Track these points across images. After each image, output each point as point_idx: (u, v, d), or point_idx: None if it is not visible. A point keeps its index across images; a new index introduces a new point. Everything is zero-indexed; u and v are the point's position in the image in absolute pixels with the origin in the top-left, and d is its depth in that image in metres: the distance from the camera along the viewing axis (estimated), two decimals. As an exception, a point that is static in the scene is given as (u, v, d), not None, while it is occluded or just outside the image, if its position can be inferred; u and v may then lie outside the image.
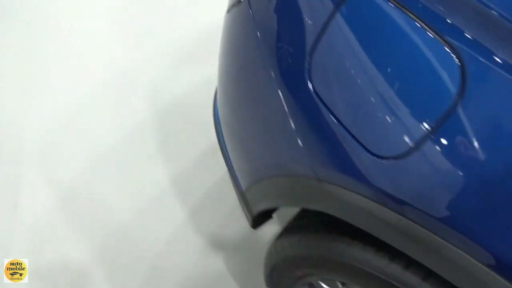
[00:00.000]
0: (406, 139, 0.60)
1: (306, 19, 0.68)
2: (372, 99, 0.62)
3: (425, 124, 0.58)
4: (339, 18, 0.64)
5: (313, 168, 0.74)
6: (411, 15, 0.57)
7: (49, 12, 2.01)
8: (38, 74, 1.79)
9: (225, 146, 1.07)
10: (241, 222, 1.48)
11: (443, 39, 0.55)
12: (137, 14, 2.05)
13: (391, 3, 0.59)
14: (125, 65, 1.85)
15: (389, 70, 0.60)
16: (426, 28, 0.56)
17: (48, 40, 1.92)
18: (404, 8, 0.58)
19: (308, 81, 0.69)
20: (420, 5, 0.57)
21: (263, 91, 0.80)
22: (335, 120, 0.67)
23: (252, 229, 1.49)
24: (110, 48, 1.90)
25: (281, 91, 0.74)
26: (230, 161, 1.06)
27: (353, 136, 0.65)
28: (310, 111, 0.70)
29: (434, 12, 0.56)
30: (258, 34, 0.77)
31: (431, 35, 0.56)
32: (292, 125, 0.74)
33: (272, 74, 0.75)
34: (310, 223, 0.91)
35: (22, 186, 1.49)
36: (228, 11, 0.90)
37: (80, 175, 1.53)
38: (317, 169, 0.73)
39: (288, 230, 0.98)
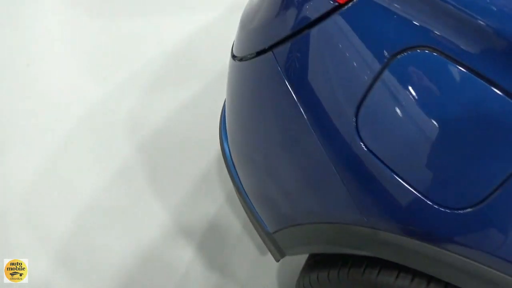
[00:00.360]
0: (477, 190, 0.61)
1: (350, 75, 0.67)
2: (435, 153, 0.62)
3: (495, 176, 0.59)
4: (388, 75, 0.63)
5: (367, 218, 0.73)
6: (473, 72, 0.57)
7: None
8: (5, 126, 1.65)
9: (243, 188, 1.05)
10: (249, 251, 1.47)
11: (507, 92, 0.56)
12: (100, 44, 1.95)
13: (446, 58, 0.59)
14: (97, 100, 1.76)
15: (452, 123, 0.60)
16: (490, 84, 0.57)
17: (5, 86, 1.77)
18: (464, 64, 0.58)
19: (357, 136, 0.68)
20: (482, 61, 0.57)
21: (298, 143, 0.78)
22: (393, 174, 0.66)
23: (261, 254, 1.49)
24: (77, 85, 1.79)
25: (323, 145, 0.73)
26: (250, 202, 1.04)
27: (414, 188, 0.65)
28: (361, 166, 0.69)
29: (498, 68, 0.56)
30: (290, 88, 0.75)
31: (496, 91, 0.57)
32: (340, 177, 0.73)
33: (310, 127, 0.74)
34: (345, 255, 0.91)
35: (12, 252, 1.38)
36: (242, 60, 0.87)
37: (73, 229, 1.44)
38: (371, 219, 0.73)
39: (321, 263, 0.97)
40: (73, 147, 1.62)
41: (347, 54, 0.66)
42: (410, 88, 0.62)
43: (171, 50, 1.97)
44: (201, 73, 1.91)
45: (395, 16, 0.61)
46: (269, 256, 1.43)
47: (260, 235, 1.09)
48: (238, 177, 1.06)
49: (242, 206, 1.13)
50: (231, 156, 1.06)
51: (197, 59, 1.98)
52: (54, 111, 1.71)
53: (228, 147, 1.07)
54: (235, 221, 1.52)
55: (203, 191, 1.57)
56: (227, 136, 1.11)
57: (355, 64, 0.66)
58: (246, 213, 1.12)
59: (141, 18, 2.12)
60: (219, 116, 1.26)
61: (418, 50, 0.60)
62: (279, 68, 0.76)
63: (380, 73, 0.64)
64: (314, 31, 0.69)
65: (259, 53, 0.80)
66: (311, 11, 0.69)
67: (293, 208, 0.88)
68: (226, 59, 1.94)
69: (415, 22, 0.60)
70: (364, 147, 0.68)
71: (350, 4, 0.64)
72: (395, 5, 0.61)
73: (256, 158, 0.91)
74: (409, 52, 0.61)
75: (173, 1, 2.21)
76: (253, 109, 0.86)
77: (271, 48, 0.77)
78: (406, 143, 0.64)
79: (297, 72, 0.73)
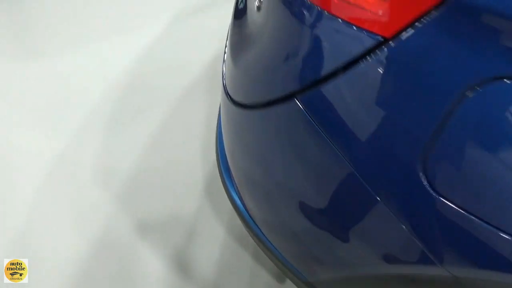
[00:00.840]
0: None
1: (410, 118, 0.56)
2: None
3: None
4: (462, 113, 0.52)
5: (448, 267, 0.63)
6: None
7: None
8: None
9: (267, 239, 0.92)
10: (267, 284, 1.36)
11: None
12: (38, 90, 1.73)
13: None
14: (54, 155, 1.55)
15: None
16: None
17: None
18: None
19: (429, 187, 0.57)
20: None
21: (351, 198, 0.66)
22: (481, 222, 0.57)
23: (280, 283, 1.39)
24: (27, 143, 1.58)
25: (384, 200, 0.62)
26: (280, 253, 0.92)
27: (507, 233, 0.56)
28: (438, 219, 0.59)
29: None
30: (329, 141, 0.62)
31: None
32: (407, 230, 0.62)
33: (362, 181, 0.62)
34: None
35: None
36: (252, 108, 0.73)
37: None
38: (453, 268, 0.63)
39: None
40: (46, 214, 1.42)
41: (404, 95, 0.55)
42: (493, 124, 0.52)
43: (120, 80, 1.78)
44: (161, 98, 1.74)
45: (466, 44, 0.50)
46: (289, 283, 1.33)
47: (293, 281, 0.98)
48: (258, 227, 0.93)
49: (266, 254, 1.00)
50: (244, 207, 0.93)
51: (152, 83, 1.80)
52: (11, 176, 1.50)
53: (239, 197, 0.94)
54: (243, 254, 1.39)
55: (200, 230, 1.42)
56: (232, 183, 0.97)
57: (415, 105, 0.54)
58: (272, 260, 1.00)
59: (76, 50, 1.90)
60: (214, 152, 1.11)
61: (505, 80, 0.49)
62: (310, 119, 0.63)
63: (451, 111, 0.53)
64: (352, 73, 0.57)
65: (277, 101, 0.67)
66: (348, 49, 0.56)
67: (346, 261, 0.77)
68: (183, 78, 1.80)
69: (497, 49, 0.49)
70: (439, 197, 0.57)
71: (402, 37, 0.52)
72: (468, 30, 0.49)
73: (294, 215, 0.78)
74: (490, 84, 0.50)
75: (106, 25, 2.00)
76: (281, 162, 0.73)
77: (294, 95, 0.64)
78: (493, 188, 0.55)
79: (336, 123, 0.61)
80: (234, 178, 0.93)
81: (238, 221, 1.08)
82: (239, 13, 0.86)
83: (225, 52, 0.92)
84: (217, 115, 1.65)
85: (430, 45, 0.51)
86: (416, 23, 0.51)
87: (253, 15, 0.74)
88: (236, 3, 0.96)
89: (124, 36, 1.97)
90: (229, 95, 0.82)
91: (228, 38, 0.87)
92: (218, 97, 1.71)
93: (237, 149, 0.86)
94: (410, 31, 0.52)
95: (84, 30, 2.00)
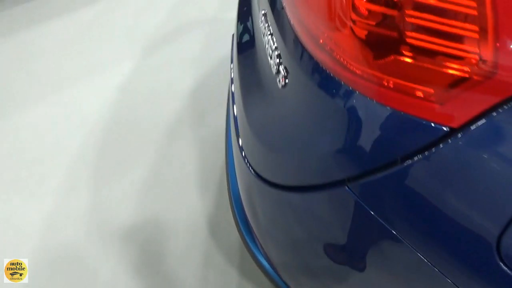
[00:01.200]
0: None
1: (484, 205, 0.52)
2: None
3: None
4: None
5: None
6: None
7: None
8: None
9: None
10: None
11: None
12: (9, 148, 1.60)
13: None
14: (44, 219, 1.46)
15: None
16: None
17: None
18: None
19: (500, 262, 0.54)
20: None
21: (406, 272, 0.62)
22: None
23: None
24: (12, 210, 1.46)
25: (443, 273, 0.58)
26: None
27: None
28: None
29: None
30: (391, 229, 0.58)
31: None
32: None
33: (430, 264, 0.58)
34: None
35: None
36: (291, 190, 0.67)
37: None
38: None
39: None
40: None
41: (472, 184, 0.51)
42: None
43: (98, 126, 1.68)
44: (144, 140, 1.65)
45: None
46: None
47: None
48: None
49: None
50: (279, 275, 0.88)
51: (132, 123, 1.70)
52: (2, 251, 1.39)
53: (270, 265, 0.89)
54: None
55: (212, 276, 1.36)
56: (258, 249, 0.92)
57: (488, 193, 0.51)
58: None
59: (49, 101, 1.77)
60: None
61: None
62: (365, 206, 0.58)
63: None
64: (413, 163, 0.52)
65: (322, 187, 0.62)
66: (409, 141, 0.52)
67: None
68: (163, 115, 1.71)
69: None
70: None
71: (472, 127, 0.48)
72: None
73: None
74: None
75: (75, 71, 1.88)
76: (327, 244, 0.68)
77: (343, 181, 0.59)
78: None
79: (394, 210, 0.56)
80: (263, 249, 0.88)
81: (250, 263, 1.01)
82: (250, 76, 0.80)
83: (235, 115, 0.86)
84: (206, 152, 1.59)
85: (503, 132, 0.48)
86: (488, 113, 0.47)
87: (278, 89, 0.68)
88: (238, 55, 0.90)
89: (96, 79, 1.87)
90: (253, 169, 0.75)
91: (241, 105, 0.80)
92: (202, 131, 1.66)
93: (264, 222, 0.81)
94: (482, 121, 0.48)
95: (52, 79, 1.88)
